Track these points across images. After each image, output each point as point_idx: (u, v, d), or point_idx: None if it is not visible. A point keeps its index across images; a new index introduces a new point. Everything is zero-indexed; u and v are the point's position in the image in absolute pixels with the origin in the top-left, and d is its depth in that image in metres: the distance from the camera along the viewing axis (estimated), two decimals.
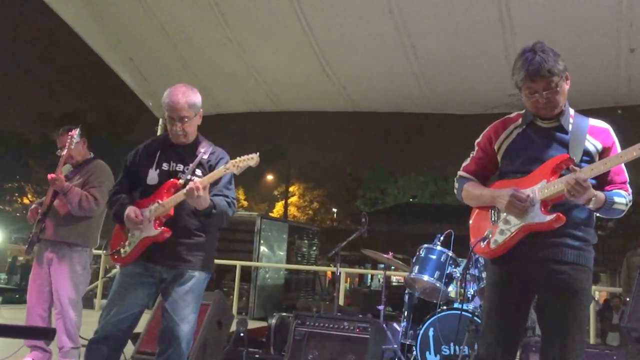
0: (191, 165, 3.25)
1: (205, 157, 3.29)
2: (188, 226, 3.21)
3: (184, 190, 3.04)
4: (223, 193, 3.25)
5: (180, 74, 7.17)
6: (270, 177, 43.88)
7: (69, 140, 4.44)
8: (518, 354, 4.28)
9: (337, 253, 5.66)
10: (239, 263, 10.38)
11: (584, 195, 2.40)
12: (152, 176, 3.25)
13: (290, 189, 43.66)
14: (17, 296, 10.74)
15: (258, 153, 3.12)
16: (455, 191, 2.91)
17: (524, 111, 2.76)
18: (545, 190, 2.50)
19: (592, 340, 7.68)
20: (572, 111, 2.69)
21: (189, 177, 3.20)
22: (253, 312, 11.00)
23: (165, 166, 3.27)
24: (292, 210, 43.08)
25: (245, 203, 41.39)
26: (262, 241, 11.72)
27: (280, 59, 6.74)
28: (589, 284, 2.57)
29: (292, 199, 43.88)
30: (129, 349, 4.88)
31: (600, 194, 2.45)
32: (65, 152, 4.45)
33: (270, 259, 12.10)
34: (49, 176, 4.41)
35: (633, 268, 8.02)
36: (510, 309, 2.64)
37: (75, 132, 4.48)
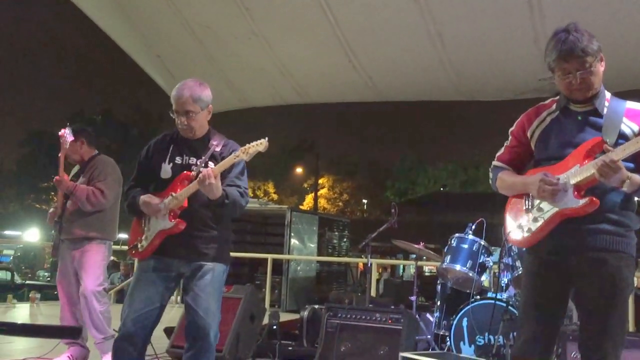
0: (204, 157, 3.25)
1: (218, 149, 3.28)
2: (202, 218, 3.21)
3: (197, 180, 3.05)
4: (235, 183, 3.23)
5: (206, 69, 7.22)
6: (299, 170, 44.00)
7: (61, 141, 4.46)
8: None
9: (368, 244, 5.64)
10: (270, 256, 10.44)
11: (615, 177, 2.32)
12: (166, 170, 3.26)
13: (320, 181, 43.68)
14: (55, 293, 10.98)
15: (267, 138, 3.08)
16: (490, 182, 2.86)
17: (558, 97, 2.69)
18: (577, 175, 2.44)
19: (631, 328, 7.52)
20: (608, 94, 2.61)
21: (201, 169, 3.20)
22: (285, 305, 11.05)
23: (178, 160, 3.28)
24: (322, 202, 43.12)
25: (275, 196, 41.61)
26: (292, 234, 11.75)
27: (305, 51, 6.73)
28: (629, 272, 2.49)
29: (322, 191, 43.92)
30: (164, 343, 4.95)
31: (636, 176, 2.37)
32: (61, 154, 4.48)
33: (301, 252, 12.14)
34: (55, 179, 4.50)
35: None
36: (548, 299, 2.57)
37: (65, 132, 4.46)
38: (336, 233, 14.21)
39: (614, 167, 2.31)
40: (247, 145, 3.09)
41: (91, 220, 4.59)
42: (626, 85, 5.45)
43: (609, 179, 2.33)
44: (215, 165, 3.18)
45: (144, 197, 3.21)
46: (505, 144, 2.82)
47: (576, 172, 2.45)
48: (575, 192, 2.44)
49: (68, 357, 4.62)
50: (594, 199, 2.39)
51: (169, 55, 7.30)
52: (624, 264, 2.47)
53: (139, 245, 3.28)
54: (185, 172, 3.22)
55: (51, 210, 4.80)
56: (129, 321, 3.15)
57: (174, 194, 3.17)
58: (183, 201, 3.16)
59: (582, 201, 2.41)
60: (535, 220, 2.55)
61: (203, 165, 3.23)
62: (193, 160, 3.27)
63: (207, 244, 3.22)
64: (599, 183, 2.40)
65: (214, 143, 3.30)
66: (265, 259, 10.57)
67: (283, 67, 6.96)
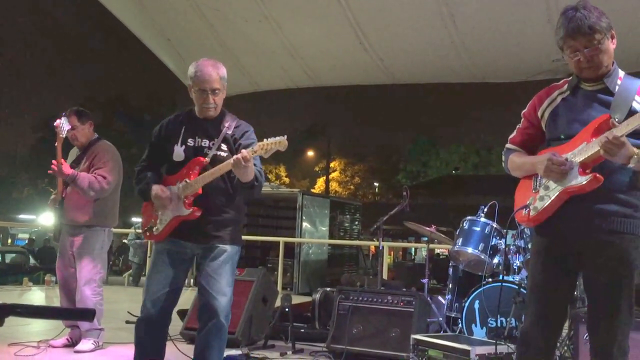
0: (216, 140, 3.25)
1: (230, 131, 3.27)
2: (217, 203, 3.23)
3: (231, 161, 3.04)
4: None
5: (216, 53, 7.19)
6: (310, 154, 44.00)
7: (57, 131, 4.44)
8: (567, 325, 4.21)
9: (380, 227, 5.64)
10: (282, 239, 10.50)
11: (621, 153, 2.29)
12: (178, 152, 3.26)
13: (331, 164, 43.69)
14: None
15: (285, 136, 3.07)
16: (503, 164, 2.85)
17: (571, 77, 2.66)
18: (583, 152, 2.41)
19: None
20: (621, 73, 2.56)
21: (215, 152, 3.21)
22: (297, 288, 11.12)
23: (190, 142, 3.27)
24: (334, 185, 43.17)
25: (286, 180, 41.68)
26: (304, 217, 11.79)
27: (316, 33, 6.68)
28: (637, 253, 2.46)
29: (334, 175, 43.94)
30: (178, 325, 5.01)
31: None
32: (57, 143, 4.48)
33: (313, 235, 12.18)
34: (53, 169, 4.47)
35: None
36: (555, 280, 2.56)
37: (61, 122, 4.44)
38: (348, 216, 14.23)
39: (617, 143, 2.28)
40: (266, 141, 3.07)
41: (91, 206, 4.61)
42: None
43: (614, 155, 2.30)
44: (227, 147, 3.22)
45: (156, 189, 3.22)
46: (517, 127, 2.80)
47: (582, 149, 2.43)
48: (581, 170, 2.42)
49: (67, 339, 4.73)
50: (597, 175, 2.37)
51: (180, 39, 7.28)
52: (632, 245, 2.45)
53: (154, 229, 3.30)
54: (198, 157, 3.23)
55: (52, 196, 4.81)
56: (149, 303, 3.21)
57: (188, 180, 3.19)
58: (198, 189, 3.18)
59: (585, 178, 2.39)
60: (541, 199, 2.53)
61: (216, 148, 3.23)
62: (206, 142, 3.27)
63: (220, 228, 3.25)
64: (606, 162, 2.38)
65: (226, 125, 3.29)
66: (277, 242, 10.64)
67: (294, 49, 6.92)
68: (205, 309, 3.21)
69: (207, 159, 3.21)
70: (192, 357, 3.35)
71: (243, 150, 3.04)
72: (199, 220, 3.19)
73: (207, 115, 3.30)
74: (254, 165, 3.18)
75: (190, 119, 3.35)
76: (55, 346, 4.65)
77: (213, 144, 3.25)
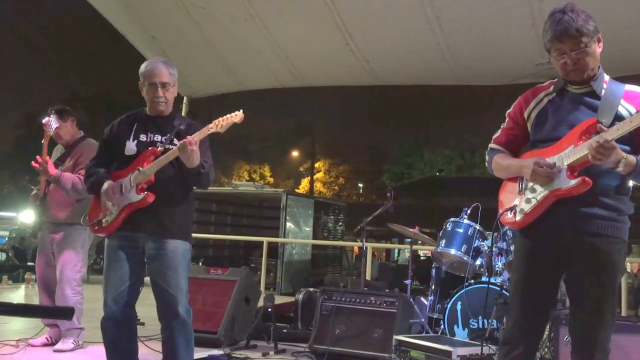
0: (169, 135, 3.24)
1: (183, 127, 3.27)
2: (168, 193, 3.20)
3: (177, 146, 3.04)
4: (202, 158, 3.21)
5: (202, 51, 7.17)
6: (295, 154, 43.98)
7: (45, 129, 4.42)
8: (548, 326, 4.24)
9: (363, 228, 5.65)
10: (266, 239, 10.47)
11: (609, 158, 2.31)
12: (130, 147, 3.25)
13: (316, 165, 43.72)
14: None
15: (242, 110, 3.10)
16: (486, 164, 2.85)
17: (557, 79, 2.67)
18: (571, 156, 2.43)
19: (623, 312, 7.57)
20: (607, 77, 2.59)
21: (167, 146, 3.20)
22: (281, 288, 11.09)
23: (143, 137, 3.27)
24: (318, 186, 43.16)
25: (271, 180, 41.60)
26: (288, 217, 11.76)
27: (302, 33, 6.68)
28: (620, 257, 2.49)
29: (318, 175, 43.95)
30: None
31: (631, 157, 2.35)
32: (44, 140, 4.44)
33: (297, 235, 12.16)
34: (37, 164, 4.41)
35: None
36: (538, 282, 2.57)
37: (49, 120, 4.42)
38: (332, 217, 14.23)
39: (608, 147, 2.29)
40: (221, 117, 3.11)
41: (74, 205, 4.55)
42: (625, 70, 5.42)
43: (603, 159, 2.32)
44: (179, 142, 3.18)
45: (106, 187, 3.19)
46: (502, 126, 2.80)
47: (570, 152, 2.44)
48: (569, 173, 2.43)
49: (47, 338, 4.68)
50: (586, 178, 2.38)
51: (165, 37, 7.24)
52: (616, 248, 2.47)
53: (103, 220, 3.26)
54: (152, 147, 3.22)
55: (34, 192, 4.76)
56: (110, 300, 3.18)
57: (141, 168, 3.17)
58: (150, 175, 3.16)
59: (574, 181, 2.40)
60: (528, 201, 2.54)
61: (169, 142, 3.22)
62: (158, 137, 3.26)
63: (172, 219, 3.22)
64: (593, 165, 2.39)
65: (178, 122, 3.30)
66: (261, 242, 10.60)
67: (279, 49, 6.91)
68: (165, 308, 3.18)
69: (161, 149, 3.19)
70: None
71: (190, 136, 3.05)
72: (150, 210, 3.16)
73: (158, 111, 3.29)
74: (205, 162, 3.18)
75: (142, 117, 3.35)
76: (34, 345, 4.60)
77: (166, 139, 3.24)
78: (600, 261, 2.45)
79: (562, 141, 2.50)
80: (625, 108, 2.47)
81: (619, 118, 2.43)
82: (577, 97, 2.57)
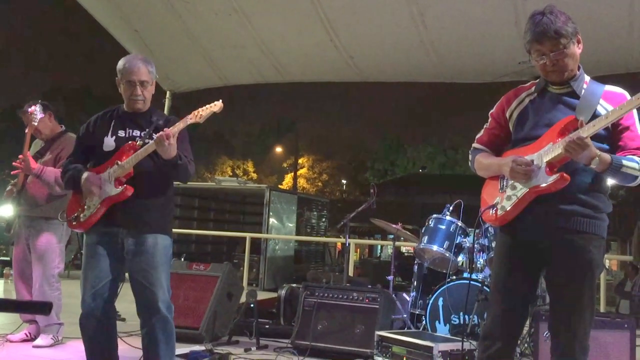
0: (148, 129, 3.21)
1: (161, 122, 3.24)
2: (148, 186, 3.18)
3: (154, 139, 3.02)
4: (181, 152, 3.19)
5: (185, 46, 7.12)
6: (279, 150, 43.88)
7: (31, 118, 4.36)
8: (528, 322, 4.29)
9: (346, 224, 5.66)
10: (248, 235, 10.44)
11: (583, 154, 2.34)
12: (109, 143, 3.22)
13: (300, 161, 43.66)
14: None
15: (221, 100, 3.09)
16: (469, 164, 2.89)
17: (538, 79, 2.70)
18: (549, 153, 2.46)
19: (602, 309, 7.68)
20: (587, 77, 2.63)
21: (146, 140, 3.16)
22: (263, 284, 11.07)
23: (121, 133, 3.25)
24: (302, 182, 43.14)
25: (254, 175, 41.48)
26: (271, 213, 11.73)
27: (286, 29, 6.66)
28: (598, 253, 2.52)
29: (301, 171, 43.91)
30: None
31: (605, 155, 2.39)
32: (27, 130, 4.40)
33: (280, 231, 12.14)
34: (20, 160, 4.36)
35: None
36: (517, 279, 2.61)
37: (35, 109, 4.38)
38: (315, 213, 14.23)
39: (581, 144, 2.32)
40: (200, 108, 3.10)
41: (52, 199, 4.50)
42: (605, 70, 5.49)
43: (576, 156, 2.35)
44: None
45: (87, 174, 3.16)
46: (484, 126, 2.84)
47: (549, 150, 2.47)
48: (548, 169, 2.46)
49: (26, 334, 4.63)
50: (564, 174, 2.41)
51: (147, 31, 7.17)
52: (594, 245, 2.51)
53: (81, 215, 3.22)
54: (130, 142, 3.19)
55: (9, 187, 4.69)
56: (88, 297, 3.14)
57: (120, 162, 3.14)
58: (129, 169, 3.13)
59: (552, 177, 2.44)
60: (508, 198, 2.58)
61: (147, 137, 3.19)
62: (137, 132, 3.24)
63: (151, 213, 3.19)
64: (570, 163, 2.43)
65: (156, 118, 3.28)
66: (244, 238, 10.57)
67: (263, 44, 6.89)
68: (146, 305, 3.15)
69: (140, 143, 3.16)
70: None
71: (167, 129, 3.03)
72: (129, 203, 3.13)
73: (135, 108, 3.26)
74: (185, 157, 3.16)
75: (119, 113, 3.32)
76: (13, 341, 4.54)
77: (144, 133, 3.21)
78: (578, 258, 2.49)
79: (541, 139, 2.53)
80: (603, 107, 2.51)
81: (596, 117, 2.45)
82: (557, 97, 2.61)
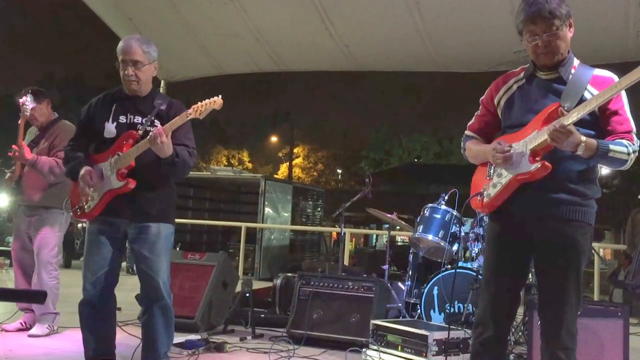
0: (149, 116, 3.18)
1: (163, 108, 3.21)
2: (150, 177, 3.17)
3: (147, 138, 3.00)
4: (183, 142, 3.19)
5: (180, 35, 7.07)
6: (274, 139, 43.81)
7: (22, 109, 4.35)
8: (522, 311, 4.31)
9: (341, 214, 5.67)
10: (244, 224, 10.46)
11: (568, 141, 2.33)
12: (110, 129, 3.20)
13: (295, 150, 43.60)
14: None
15: (221, 95, 3.05)
16: (462, 151, 2.89)
17: (527, 65, 2.70)
18: (533, 140, 2.46)
19: (596, 297, 7.73)
20: (576, 62, 2.61)
21: (147, 128, 3.15)
22: (259, 273, 11.09)
23: (122, 119, 3.22)
24: (297, 171, 43.10)
25: (249, 165, 41.44)
26: (266, 203, 11.73)
27: (281, 17, 6.62)
28: (585, 240, 2.53)
29: (297, 161, 43.87)
30: (136, 310, 4.94)
31: (591, 140, 2.37)
32: (20, 121, 4.39)
33: (275, 221, 12.15)
34: (14, 151, 4.36)
35: (638, 225, 8.03)
36: (507, 266, 2.62)
37: (26, 99, 4.36)
38: (310, 202, 14.24)
39: (564, 131, 2.32)
40: (199, 103, 3.06)
41: (51, 188, 4.50)
42: (599, 59, 5.49)
43: (561, 143, 2.35)
44: (161, 124, 3.11)
45: (84, 172, 3.15)
46: (476, 113, 2.84)
47: (533, 137, 2.48)
48: (531, 158, 2.47)
49: (21, 323, 4.64)
50: (546, 163, 2.42)
51: (142, 19, 7.11)
52: (581, 232, 2.51)
53: (86, 206, 3.23)
54: (130, 130, 3.17)
55: (8, 175, 4.70)
56: (88, 285, 3.17)
57: (120, 153, 3.13)
58: (130, 161, 3.12)
59: (534, 166, 2.44)
60: (494, 185, 2.60)
61: (149, 123, 3.17)
62: (138, 119, 3.21)
63: (153, 204, 3.20)
64: (556, 150, 2.42)
65: (159, 102, 3.23)
66: (239, 227, 10.59)
67: (258, 33, 6.84)
68: (147, 291, 3.19)
69: (140, 132, 3.15)
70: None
71: (160, 127, 3.00)
72: (131, 195, 3.13)
73: (130, 89, 3.23)
74: (186, 145, 3.16)
75: (120, 97, 3.28)
76: (8, 330, 4.55)
77: (145, 120, 3.19)
78: (564, 245, 2.50)
79: (527, 127, 2.54)
80: (590, 93, 2.49)
81: (583, 102, 2.44)
82: (544, 83, 2.60)
